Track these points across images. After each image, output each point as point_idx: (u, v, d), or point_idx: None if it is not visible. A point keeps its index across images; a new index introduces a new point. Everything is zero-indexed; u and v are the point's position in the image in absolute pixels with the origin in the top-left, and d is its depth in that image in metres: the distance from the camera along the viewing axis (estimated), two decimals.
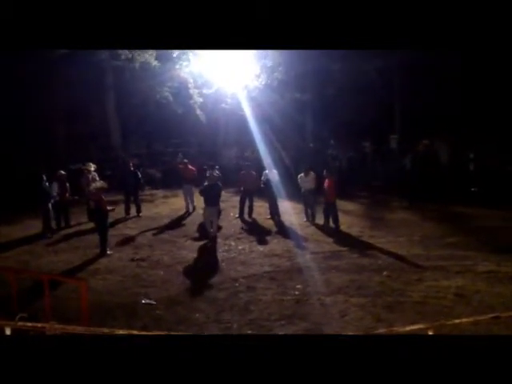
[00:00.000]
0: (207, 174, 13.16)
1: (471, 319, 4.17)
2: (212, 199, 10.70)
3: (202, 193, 10.78)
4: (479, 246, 9.69)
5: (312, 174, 12.36)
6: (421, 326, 3.74)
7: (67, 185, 12.35)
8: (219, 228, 11.58)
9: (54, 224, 11.78)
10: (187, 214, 13.86)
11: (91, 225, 10.92)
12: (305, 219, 12.45)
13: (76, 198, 13.23)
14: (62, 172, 12.35)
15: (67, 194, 12.29)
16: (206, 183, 10.92)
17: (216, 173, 13.21)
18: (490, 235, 10.65)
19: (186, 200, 14.10)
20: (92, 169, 13.22)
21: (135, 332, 3.16)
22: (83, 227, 11.99)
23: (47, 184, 11.48)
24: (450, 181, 15.71)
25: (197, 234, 11.37)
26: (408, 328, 3.66)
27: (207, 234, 10.81)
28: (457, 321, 3.84)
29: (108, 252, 9.73)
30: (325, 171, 12.14)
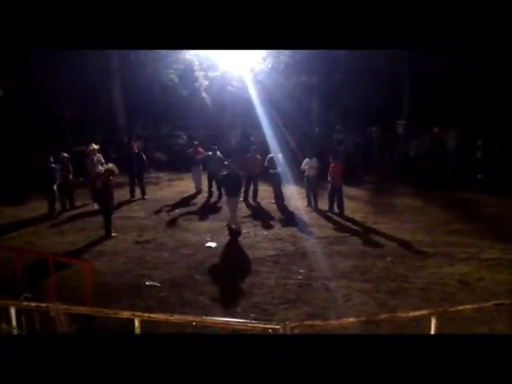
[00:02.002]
0: (206, 154, 13.27)
1: (474, 306, 4.16)
2: (233, 189, 10.28)
3: (221, 182, 10.48)
4: (484, 234, 9.64)
5: (315, 159, 12.29)
6: (424, 312, 3.72)
7: (70, 167, 12.35)
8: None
9: (58, 205, 11.82)
10: (195, 195, 13.98)
11: (96, 207, 10.96)
12: (306, 204, 12.42)
13: (81, 179, 13.26)
14: (65, 154, 12.35)
15: (70, 176, 12.28)
16: (224, 172, 10.67)
17: (218, 155, 13.31)
18: (495, 222, 10.60)
19: (195, 181, 14.23)
20: (95, 148, 13.11)
21: (137, 315, 3.16)
22: (88, 209, 12.04)
23: (53, 165, 11.49)
24: (456, 167, 15.60)
25: (202, 217, 11.39)
26: (411, 314, 3.65)
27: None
28: (460, 307, 3.82)
29: (113, 234, 9.76)
30: (331, 156, 12.06)
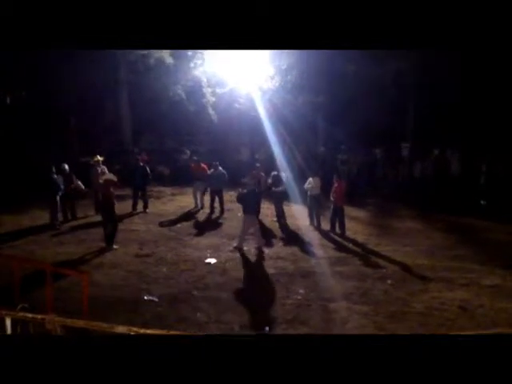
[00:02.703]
0: (210, 171, 13.32)
1: (473, 333, 4.12)
2: (251, 206, 10.22)
3: (239, 200, 10.40)
4: (485, 260, 9.58)
5: (317, 178, 12.31)
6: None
7: (73, 177, 12.41)
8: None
9: (60, 216, 11.85)
10: (197, 211, 13.93)
11: (98, 218, 10.98)
12: (308, 223, 12.38)
13: (86, 189, 13.31)
14: (66, 166, 12.42)
15: (72, 186, 12.31)
16: (243, 190, 10.63)
17: (220, 170, 13.36)
18: (496, 249, 10.53)
19: (195, 197, 14.19)
20: (100, 159, 13.18)
21: (133, 331, 3.15)
22: (90, 220, 12.07)
23: (55, 176, 11.55)
24: (460, 192, 15.58)
25: (203, 232, 11.39)
26: None
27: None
28: (461, 333, 3.79)
29: (114, 247, 9.76)
30: (335, 176, 12.07)
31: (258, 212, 10.77)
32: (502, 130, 16.82)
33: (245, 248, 10.12)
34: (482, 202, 15.30)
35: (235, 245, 10.13)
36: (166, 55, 17.59)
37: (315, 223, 12.24)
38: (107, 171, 12.73)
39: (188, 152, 18.20)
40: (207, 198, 14.03)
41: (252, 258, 9.56)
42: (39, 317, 3.75)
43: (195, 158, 15.62)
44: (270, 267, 8.96)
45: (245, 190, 10.56)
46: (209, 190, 13.98)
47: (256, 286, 7.97)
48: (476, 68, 16.67)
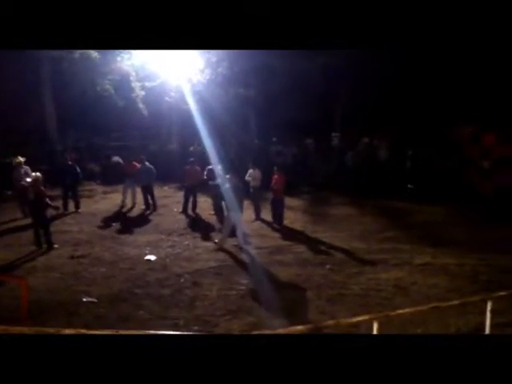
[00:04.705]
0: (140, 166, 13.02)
1: (413, 309, 4.37)
2: (235, 203, 9.87)
3: (219, 197, 10.18)
4: (415, 240, 10.16)
5: (257, 170, 12.42)
6: (366, 317, 3.86)
7: None
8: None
9: None
10: (131, 208, 13.55)
11: (25, 221, 10.47)
12: (254, 215, 12.41)
13: (9, 192, 12.57)
14: None
15: None
16: (226, 185, 10.23)
17: (147, 165, 13.13)
18: (424, 229, 11.21)
19: (124, 195, 13.76)
20: (21, 160, 12.45)
21: (81, 333, 3.04)
22: (16, 224, 11.40)
23: None
24: (388, 177, 16.29)
25: (139, 229, 11.15)
26: (354, 320, 3.77)
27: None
28: (400, 311, 4.00)
29: (55, 246, 9.47)
30: (275, 167, 12.21)
31: (242, 208, 10.33)
32: (426, 116, 17.76)
33: (184, 243, 10.04)
34: (409, 186, 16.11)
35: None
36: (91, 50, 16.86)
37: (257, 215, 12.32)
38: (30, 172, 12.07)
39: (116, 159, 17.62)
40: (140, 195, 13.67)
41: (192, 252, 9.48)
42: None
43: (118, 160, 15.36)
44: (211, 260, 8.95)
45: (227, 186, 10.24)
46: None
47: (198, 279, 7.92)
48: (399, 59, 17.41)
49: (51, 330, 3.17)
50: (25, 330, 3.24)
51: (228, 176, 10.53)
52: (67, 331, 3.08)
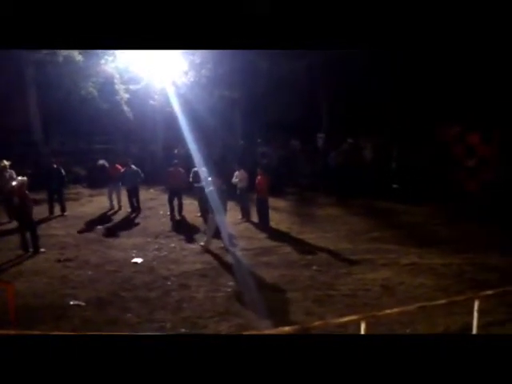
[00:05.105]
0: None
1: (400, 309, 4.37)
2: (219, 205, 9.79)
3: (206, 200, 10.07)
4: (402, 240, 10.21)
5: (242, 171, 12.39)
6: (353, 317, 3.84)
7: None
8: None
9: None
10: (116, 211, 13.47)
11: (12, 225, 10.33)
12: (240, 217, 12.37)
13: None
14: None
15: None
16: (210, 188, 10.10)
17: (133, 168, 13.03)
18: (410, 229, 11.27)
19: (110, 198, 13.67)
20: (6, 164, 12.29)
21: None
22: (2, 228, 11.24)
23: None
24: (373, 178, 16.37)
25: (125, 232, 11.05)
26: (342, 320, 3.76)
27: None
28: (388, 311, 3.99)
29: (42, 250, 9.37)
30: (258, 168, 12.21)
31: (226, 210, 10.28)
32: (412, 116, 17.89)
33: (170, 245, 9.97)
34: (394, 186, 16.21)
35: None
36: (75, 52, 16.68)
37: (245, 216, 12.28)
38: (15, 176, 11.90)
39: (103, 161, 17.48)
40: (125, 198, 13.56)
41: (179, 254, 9.41)
42: None
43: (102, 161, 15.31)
44: (197, 262, 8.88)
45: (210, 188, 10.11)
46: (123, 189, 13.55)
47: (185, 281, 7.86)
48: (385, 60, 17.51)
49: (38, 333, 3.10)
50: (12, 333, 3.16)
51: (210, 178, 10.45)
52: (55, 333, 3.01)
